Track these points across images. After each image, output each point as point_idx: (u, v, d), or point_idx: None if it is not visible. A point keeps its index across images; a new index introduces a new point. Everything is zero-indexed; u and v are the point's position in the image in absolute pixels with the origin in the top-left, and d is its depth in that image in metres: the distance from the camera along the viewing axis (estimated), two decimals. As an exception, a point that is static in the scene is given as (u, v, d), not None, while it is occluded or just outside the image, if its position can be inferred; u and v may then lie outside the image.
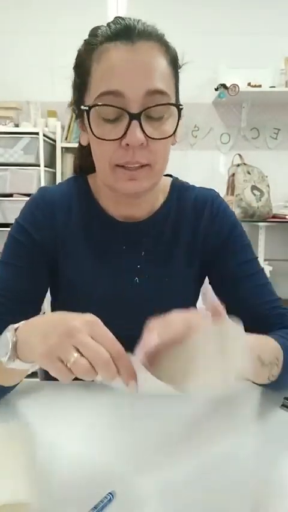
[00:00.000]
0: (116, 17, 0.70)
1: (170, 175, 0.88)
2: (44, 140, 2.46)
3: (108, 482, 0.52)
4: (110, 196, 0.79)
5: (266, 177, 2.66)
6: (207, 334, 0.47)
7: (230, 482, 0.53)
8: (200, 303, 0.92)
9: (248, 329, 0.57)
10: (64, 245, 0.80)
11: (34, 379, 0.85)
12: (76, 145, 0.87)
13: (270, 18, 2.80)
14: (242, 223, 0.87)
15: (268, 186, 2.63)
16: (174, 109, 0.69)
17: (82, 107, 0.70)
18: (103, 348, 0.47)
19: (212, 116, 2.92)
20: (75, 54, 0.73)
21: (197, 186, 0.88)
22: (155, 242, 0.82)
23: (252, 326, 0.77)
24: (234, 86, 2.60)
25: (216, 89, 2.67)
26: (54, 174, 2.70)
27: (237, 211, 2.50)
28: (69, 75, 0.74)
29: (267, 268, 2.48)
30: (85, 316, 0.50)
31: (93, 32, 0.70)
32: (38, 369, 0.75)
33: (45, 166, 2.48)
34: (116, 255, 0.81)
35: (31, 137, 2.46)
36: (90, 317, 0.50)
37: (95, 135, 0.68)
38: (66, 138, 2.70)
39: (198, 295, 0.90)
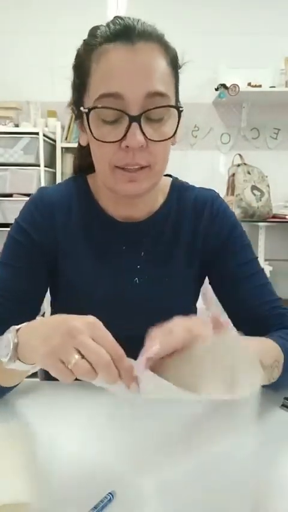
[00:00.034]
0: (115, 17, 0.69)
1: (170, 175, 0.88)
2: (44, 140, 2.47)
3: (108, 482, 0.52)
4: (109, 196, 0.79)
5: (266, 177, 2.66)
6: (212, 343, 0.47)
7: (230, 482, 0.53)
8: (200, 303, 0.93)
9: (248, 330, 0.57)
10: (64, 245, 0.80)
11: (34, 379, 0.85)
12: (76, 145, 0.87)
13: (270, 18, 2.80)
14: (242, 223, 0.87)
15: (268, 186, 2.63)
16: (174, 110, 0.69)
17: (82, 109, 0.69)
18: (104, 350, 0.47)
19: (212, 116, 2.93)
20: (75, 54, 0.73)
21: (197, 186, 0.88)
22: (155, 242, 0.82)
23: (252, 326, 0.77)
24: (234, 86, 2.61)
25: (216, 89, 2.68)
26: (54, 174, 2.71)
27: (237, 211, 2.50)
28: (69, 75, 0.74)
29: (267, 268, 2.48)
30: (86, 318, 0.50)
31: (93, 32, 0.69)
32: (38, 369, 0.75)
33: (45, 166, 2.48)
34: (116, 255, 0.81)
35: (31, 137, 2.46)
36: (91, 319, 0.50)
37: (94, 137, 0.68)
38: (66, 138, 2.70)
39: (198, 295, 0.90)
